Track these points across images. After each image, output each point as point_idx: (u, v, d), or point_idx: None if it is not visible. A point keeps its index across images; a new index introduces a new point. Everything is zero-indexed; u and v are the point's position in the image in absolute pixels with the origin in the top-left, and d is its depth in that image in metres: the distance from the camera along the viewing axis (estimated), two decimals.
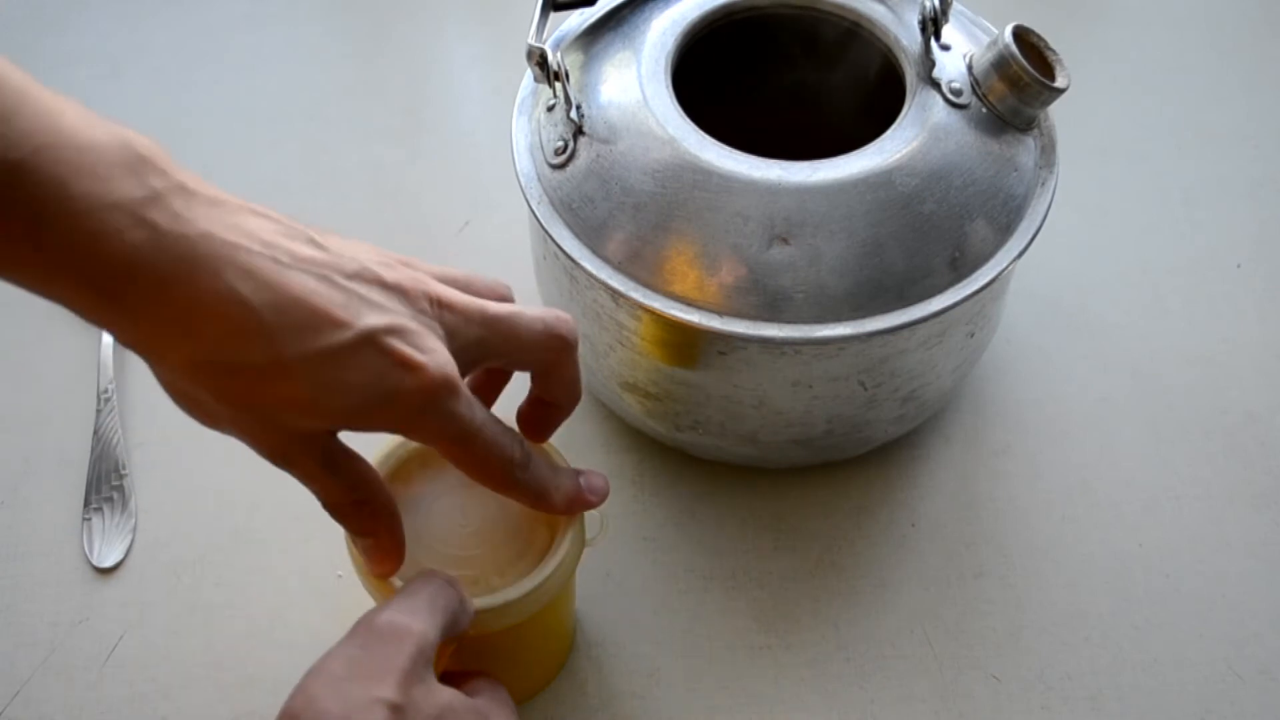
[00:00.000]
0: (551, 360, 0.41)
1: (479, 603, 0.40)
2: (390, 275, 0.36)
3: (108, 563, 0.54)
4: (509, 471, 0.39)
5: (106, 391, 0.59)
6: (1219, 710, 0.50)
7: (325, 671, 0.35)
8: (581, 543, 0.44)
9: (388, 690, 0.34)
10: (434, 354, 0.35)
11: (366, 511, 0.39)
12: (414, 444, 0.44)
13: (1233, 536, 0.55)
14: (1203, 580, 0.53)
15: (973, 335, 0.52)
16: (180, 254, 0.32)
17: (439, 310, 0.37)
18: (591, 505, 0.43)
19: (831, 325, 0.46)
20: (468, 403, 0.37)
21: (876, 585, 0.53)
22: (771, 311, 0.46)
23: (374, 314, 0.35)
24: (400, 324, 0.35)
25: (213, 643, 0.52)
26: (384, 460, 0.44)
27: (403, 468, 0.45)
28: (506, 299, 0.41)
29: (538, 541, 0.43)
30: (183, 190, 0.32)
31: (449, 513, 0.44)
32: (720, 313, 0.46)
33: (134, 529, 0.55)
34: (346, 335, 0.34)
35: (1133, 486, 0.56)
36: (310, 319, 0.33)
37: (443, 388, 0.35)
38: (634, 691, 0.50)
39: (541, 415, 0.43)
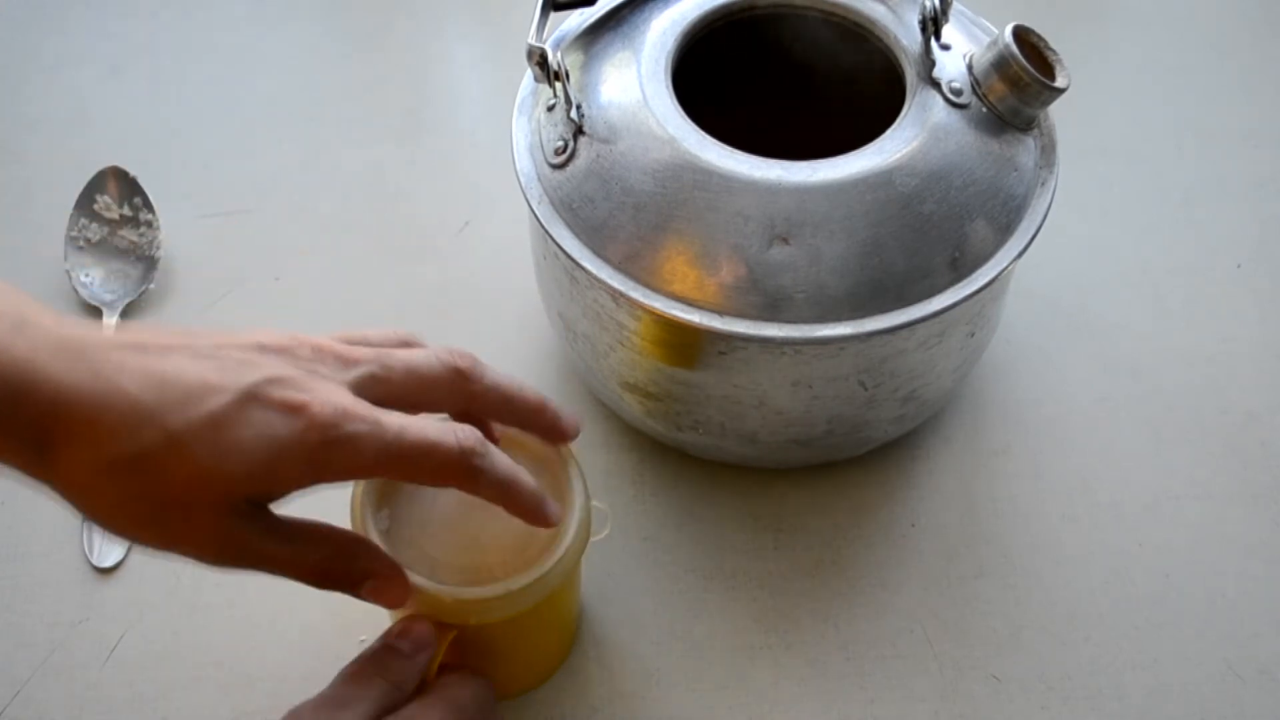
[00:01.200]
0: (461, 393, 0.40)
1: (481, 592, 0.40)
2: (268, 338, 0.37)
3: (108, 563, 0.54)
4: (463, 463, 0.38)
5: None
6: (1219, 710, 0.50)
7: None
8: (586, 535, 0.44)
9: None
10: (316, 391, 0.35)
11: (342, 562, 0.39)
12: None
13: (1233, 536, 0.55)
14: (1203, 580, 0.53)
15: (973, 335, 0.52)
16: (60, 365, 0.33)
17: (323, 354, 0.37)
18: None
19: (831, 325, 0.46)
20: (371, 421, 0.36)
21: (876, 585, 0.53)
22: (771, 311, 0.46)
23: (251, 371, 0.35)
24: (279, 374, 0.35)
25: (213, 643, 0.52)
26: (367, 498, 0.44)
27: (390, 496, 0.44)
28: (409, 343, 0.41)
29: (542, 533, 0.43)
30: (55, 322, 0.34)
31: (451, 502, 0.43)
32: (720, 313, 0.46)
33: None
34: (227, 396, 0.34)
35: (1133, 486, 0.56)
36: (189, 390, 0.34)
37: (334, 416, 0.35)
38: (634, 691, 0.50)
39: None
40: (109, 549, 0.54)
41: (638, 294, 0.47)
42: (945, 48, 0.51)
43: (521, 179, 0.50)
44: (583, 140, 0.49)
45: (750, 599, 0.53)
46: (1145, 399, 0.59)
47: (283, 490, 0.36)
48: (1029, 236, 0.49)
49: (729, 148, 0.47)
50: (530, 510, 0.41)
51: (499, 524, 0.42)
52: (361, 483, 0.43)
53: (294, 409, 0.35)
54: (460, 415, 0.42)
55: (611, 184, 0.48)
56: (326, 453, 0.35)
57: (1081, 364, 0.61)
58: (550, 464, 0.45)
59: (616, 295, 0.47)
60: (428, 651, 0.41)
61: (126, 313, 0.62)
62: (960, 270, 0.47)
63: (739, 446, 0.53)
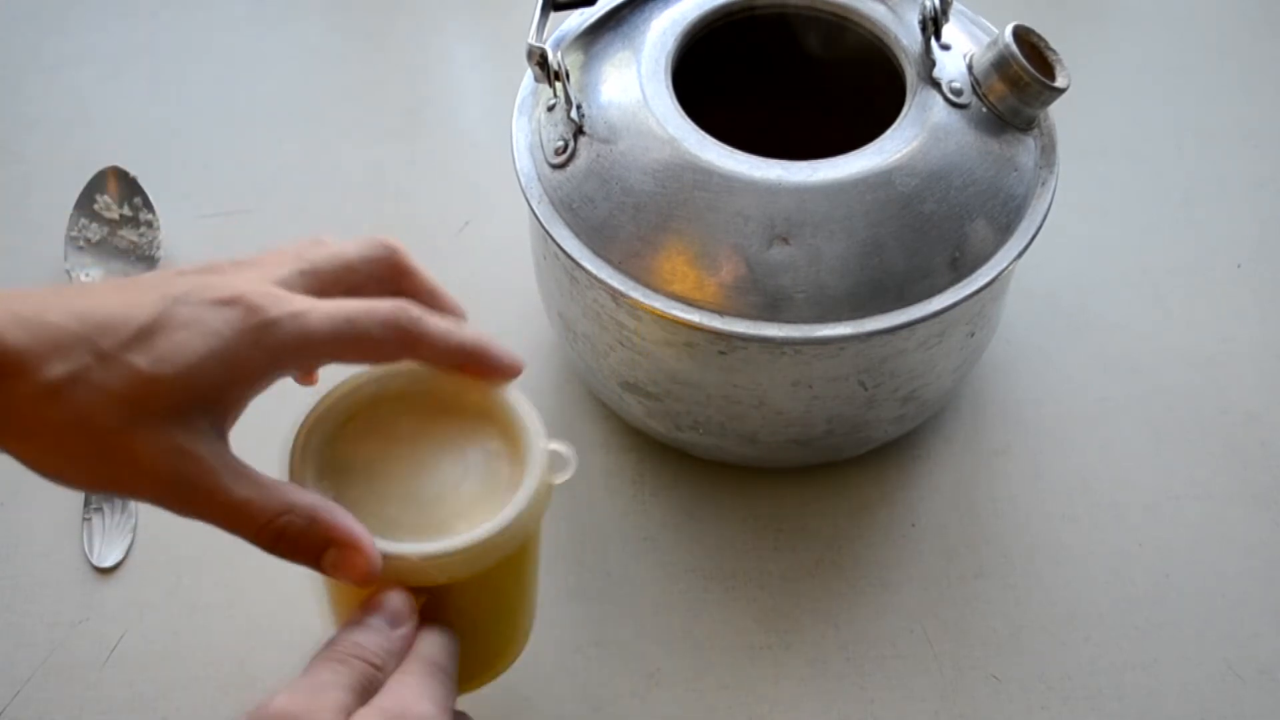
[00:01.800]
0: (393, 270, 0.38)
1: (450, 545, 0.37)
2: (185, 267, 0.36)
3: (108, 563, 0.54)
4: (405, 317, 0.36)
5: None
6: (1219, 710, 0.50)
7: None
8: (550, 476, 0.40)
9: None
10: (246, 280, 0.34)
11: (300, 522, 0.35)
12: (338, 403, 0.40)
13: (1233, 536, 0.55)
14: (1203, 580, 0.53)
15: (973, 335, 0.52)
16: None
17: (243, 262, 0.36)
18: (505, 373, 0.39)
19: (831, 325, 0.46)
20: (309, 302, 0.35)
21: (876, 585, 0.53)
22: (771, 311, 0.46)
23: (174, 284, 0.34)
24: (204, 280, 0.34)
25: (213, 643, 0.52)
26: (315, 430, 0.40)
27: (340, 432, 0.40)
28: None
29: (501, 483, 0.39)
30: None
31: (404, 464, 0.40)
32: (720, 312, 0.46)
33: (134, 529, 0.55)
34: (154, 307, 0.33)
35: (1133, 486, 0.56)
36: (112, 313, 0.32)
37: (272, 298, 0.34)
38: (634, 691, 0.50)
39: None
40: (109, 549, 0.54)
41: (638, 294, 0.47)
42: (945, 48, 0.51)
43: (521, 179, 0.50)
44: (583, 140, 0.49)
45: (750, 599, 0.53)
46: (1145, 399, 0.59)
47: (235, 393, 0.34)
48: (1029, 236, 0.49)
49: (729, 148, 0.47)
50: (487, 359, 0.38)
51: (452, 476, 0.39)
52: (298, 449, 0.39)
53: (227, 301, 0.33)
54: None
55: (611, 184, 0.48)
56: (272, 334, 0.33)
57: (1081, 364, 0.61)
58: (495, 411, 0.40)
59: (616, 295, 0.47)
60: (407, 625, 0.37)
61: None
62: (960, 270, 0.47)
63: (739, 446, 0.53)
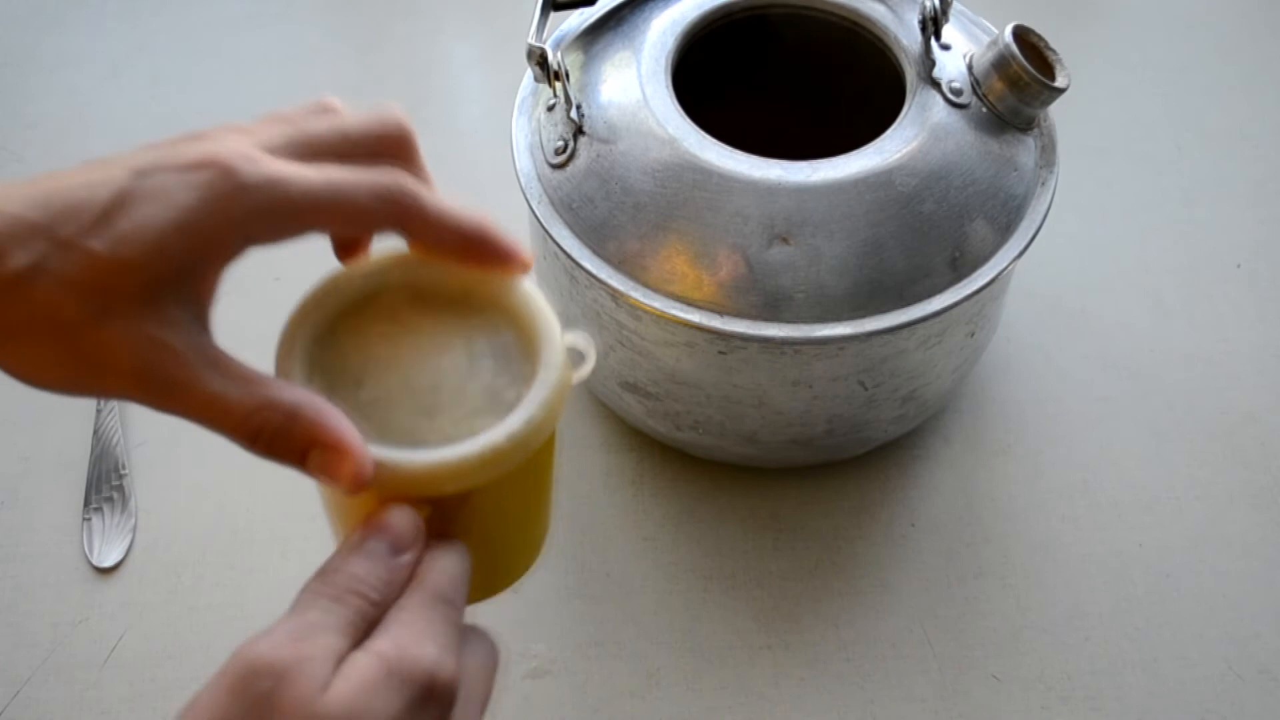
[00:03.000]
0: (399, 146, 0.34)
1: (459, 452, 0.33)
2: (170, 137, 0.32)
3: (108, 563, 0.54)
4: (399, 188, 0.32)
5: None
6: (1219, 710, 0.50)
7: None
8: (569, 373, 0.35)
9: None
10: (224, 143, 0.31)
11: (281, 418, 0.31)
12: (328, 297, 0.35)
13: (1233, 536, 0.55)
14: (1203, 580, 0.53)
15: (973, 335, 0.52)
16: None
17: (228, 127, 0.32)
18: (515, 263, 0.35)
19: (831, 325, 0.46)
20: (291, 166, 0.31)
21: (876, 585, 0.53)
22: (771, 311, 0.46)
23: (141, 155, 0.31)
24: (175, 148, 0.31)
25: (213, 643, 0.52)
26: (302, 326, 0.35)
27: (333, 329, 0.36)
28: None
29: (513, 382, 0.35)
30: None
31: (405, 363, 0.35)
32: (720, 312, 0.46)
33: (134, 529, 0.55)
34: (116, 182, 0.30)
35: (1133, 486, 0.56)
36: (73, 195, 0.30)
37: (249, 158, 0.30)
38: (634, 691, 0.50)
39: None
40: (109, 549, 0.54)
41: (637, 294, 0.47)
42: (945, 48, 0.51)
43: (521, 179, 0.50)
44: (583, 140, 0.49)
45: (750, 599, 0.53)
46: (1145, 399, 0.59)
47: (209, 270, 0.31)
48: (1029, 236, 0.49)
49: (729, 148, 0.47)
50: (491, 245, 0.34)
51: (458, 376, 0.35)
52: (284, 346, 0.34)
53: (199, 164, 0.30)
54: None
55: (611, 184, 0.48)
56: (246, 197, 0.30)
57: (1081, 364, 0.61)
58: (505, 304, 0.36)
59: (616, 295, 0.47)
60: (411, 551, 0.32)
61: None
62: (960, 270, 0.47)
63: (739, 446, 0.53)
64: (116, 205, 0.29)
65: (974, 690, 0.50)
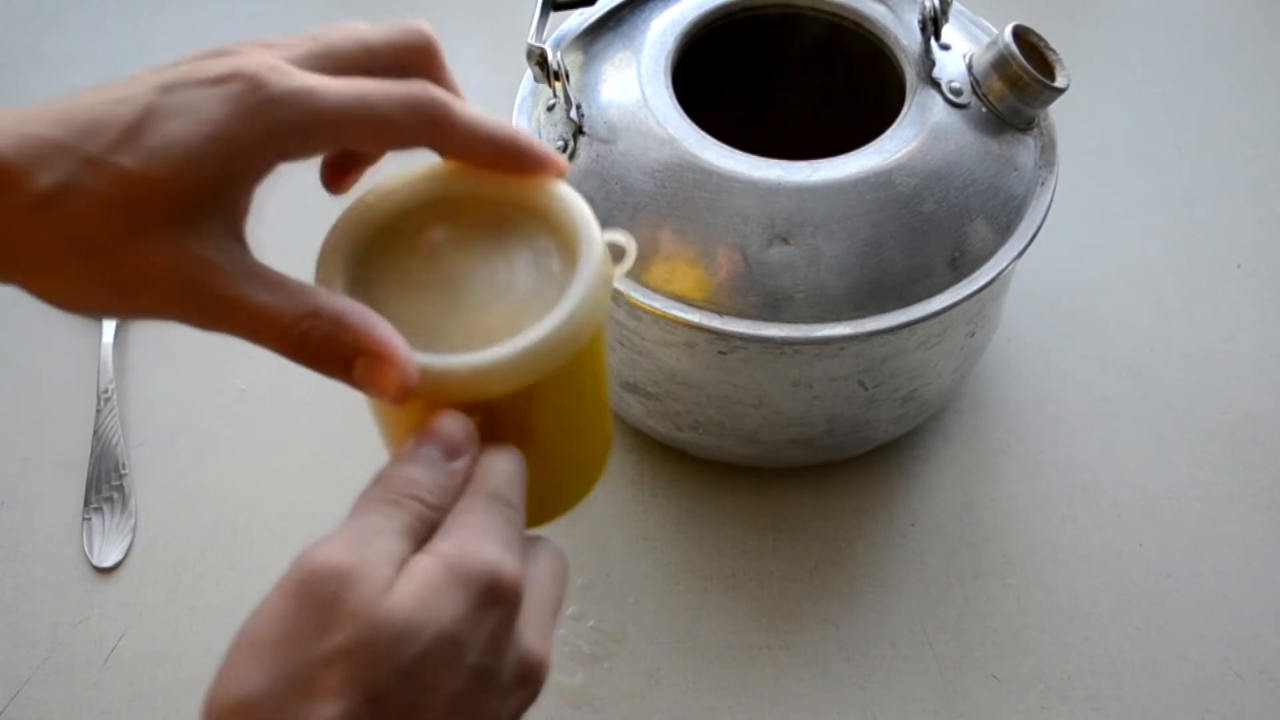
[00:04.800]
0: (424, 59, 0.34)
1: (503, 352, 0.32)
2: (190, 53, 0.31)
3: (108, 563, 0.54)
4: (430, 98, 0.32)
5: (106, 391, 0.59)
6: (1219, 710, 0.50)
7: (251, 642, 0.29)
8: (609, 268, 0.35)
9: (335, 674, 0.28)
10: (249, 57, 0.30)
11: (327, 326, 0.31)
12: (365, 213, 0.35)
13: (1233, 536, 0.55)
14: (1203, 580, 0.53)
15: (973, 335, 0.52)
16: None
17: (250, 43, 0.32)
18: (547, 166, 0.34)
19: (831, 325, 0.46)
20: (318, 78, 0.31)
21: (876, 585, 0.53)
22: (771, 311, 0.46)
23: (164, 72, 0.30)
24: (199, 63, 0.30)
25: (213, 643, 0.51)
26: (340, 244, 0.35)
27: (370, 245, 0.35)
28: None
29: (554, 281, 0.34)
30: None
31: (444, 271, 0.35)
32: (720, 312, 0.46)
33: (134, 529, 0.55)
34: (141, 99, 0.29)
35: (1133, 486, 0.56)
36: (97, 113, 0.29)
37: (276, 70, 0.30)
38: (634, 691, 0.50)
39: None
40: (109, 549, 0.54)
41: (637, 294, 0.47)
42: (945, 48, 0.51)
43: None
44: (583, 140, 0.49)
45: (750, 599, 0.53)
46: (1145, 399, 0.59)
47: (241, 183, 0.30)
48: (1029, 236, 0.49)
49: (729, 147, 0.47)
50: (524, 152, 0.33)
51: (498, 280, 0.34)
52: (324, 263, 0.34)
53: (225, 78, 0.29)
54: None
55: (611, 184, 0.48)
56: (276, 109, 0.29)
57: (1081, 364, 0.61)
58: (540, 207, 0.35)
59: (616, 295, 0.47)
60: (465, 455, 0.32)
61: None
62: (960, 270, 0.47)
63: (739, 446, 0.53)
64: (143, 121, 0.29)
65: (974, 690, 0.50)
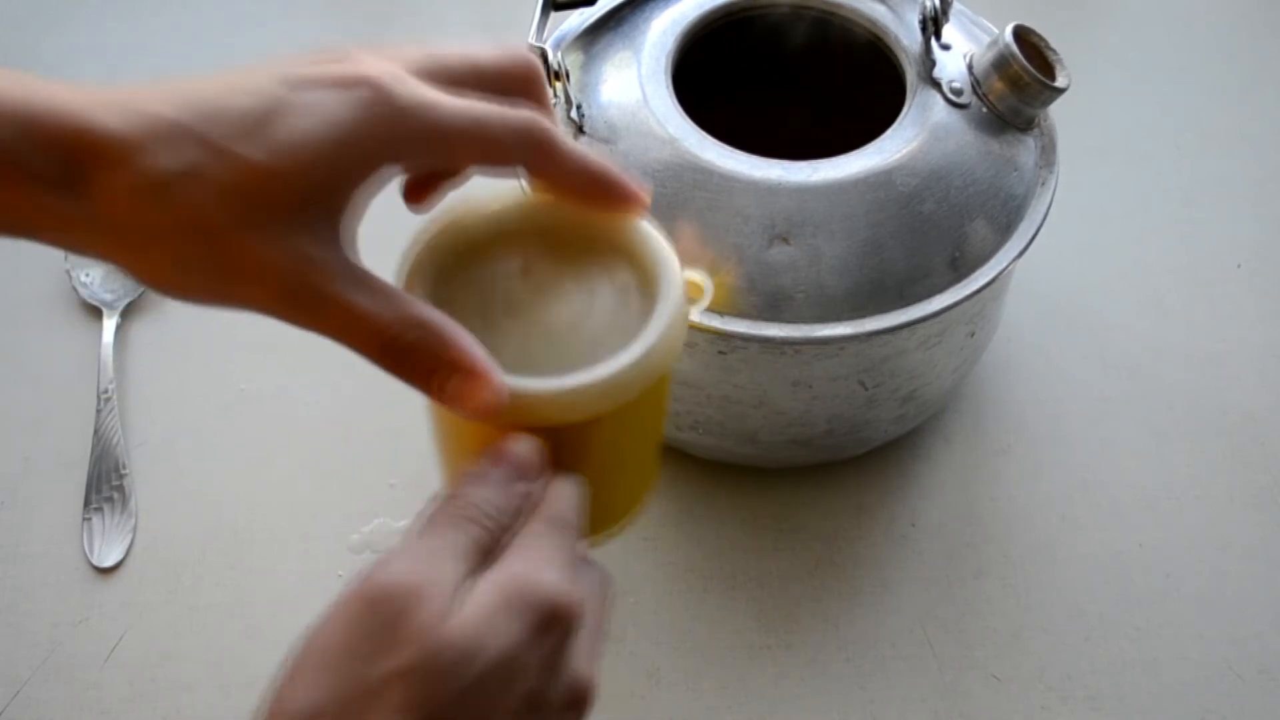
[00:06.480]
0: (529, 85, 0.34)
1: (582, 380, 0.32)
2: (301, 54, 0.32)
3: (108, 563, 0.54)
4: (536, 126, 0.32)
5: (106, 391, 0.59)
6: (1219, 710, 0.50)
7: (317, 652, 0.30)
8: (687, 304, 0.36)
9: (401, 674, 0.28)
10: (361, 63, 0.31)
11: (422, 336, 0.31)
12: (449, 230, 0.36)
13: (1233, 536, 0.55)
14: (1203, 580, 0.53)
15: (973, 335, 0.52)
16: (82, 101, 0.29)
17: (365, 49, 0.32)
18: (634, 202, 0.35)
19: (831, 325, 0.46)
20: (439, 94, 0.31)
21: (876, 585, 0.53)
22: (771, 311, 0.46)
23: (290, 66, 0.31)
24: (323, 65, 0.31)
25: (213, 643, 0.52)
26: (423, 263, 0.35)
27: (453, 266, 0.36)
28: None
29: (633, 315, 0.35)
30: None
31: (524, 297, 0.35)
32: (720, 312, 0.46)
33: (134, 529, 0.55)
34: (269, 92, 0.29)
35: (1133, 486, 0.56)
36: (224, 101, 0.29)
37: (401, 81, 0.30)
38: (634, 691, 0.50)
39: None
40: (109, 549, 0.54)
41: None
42: (945, 48, 0.51)
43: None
44: (583, 140, 0.49)
45: (750, 599, 0.53)
46: (1145, 399, 0.59)
47: (355, 186, 0.30)
48: (1029, 236, 0.49)
49: (729, 147, 0.47)
50: (616, 186, 0.34)
51: (578, 309, 0.35)
52: (411, 274, 0.35)
53: (352, 82, 0.30)
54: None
55: None
56: (400, 121, 0.30)
57: (1081, 364, 0.61)
58: (624, 241, 0.36)
59: None
60: (534, 479, 0.32)
61: (127, 312, 0.62)
62: (960, 270, 0.47)
63: (739, 446, 0.53)
64: (271, 114, 0.29)
65: (974, 690, 0.50)
